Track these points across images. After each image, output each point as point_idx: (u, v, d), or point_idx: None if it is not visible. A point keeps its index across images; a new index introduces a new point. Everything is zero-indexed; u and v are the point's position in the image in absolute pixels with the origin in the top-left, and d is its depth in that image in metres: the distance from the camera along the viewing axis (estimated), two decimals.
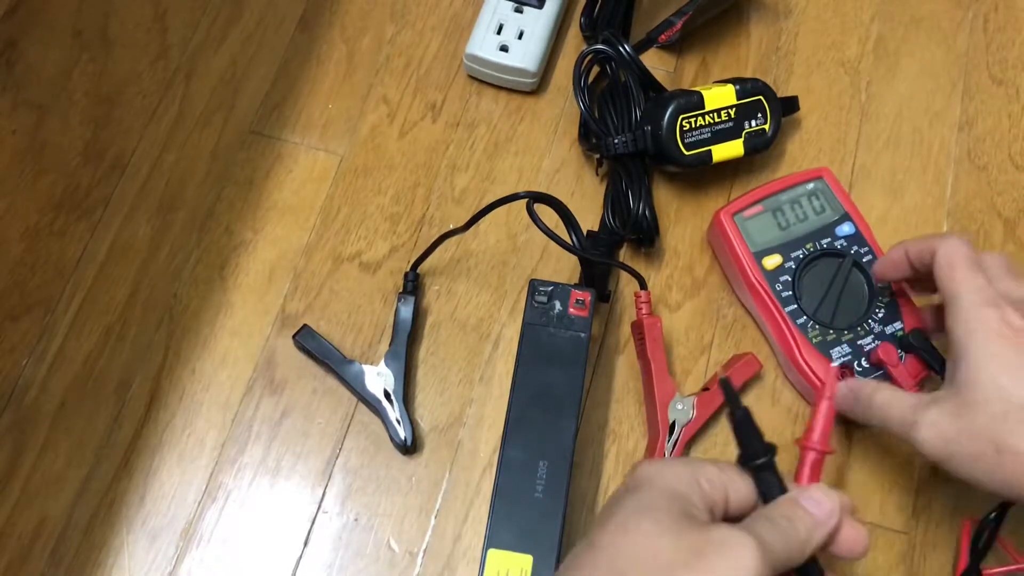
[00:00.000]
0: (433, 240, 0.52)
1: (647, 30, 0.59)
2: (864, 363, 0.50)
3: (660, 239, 0.55)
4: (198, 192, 0.56)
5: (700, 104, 0.53)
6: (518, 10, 0.58)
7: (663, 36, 0.58)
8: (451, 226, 0.53)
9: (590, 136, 0.55)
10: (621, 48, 0.54)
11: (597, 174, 0.57)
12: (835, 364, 0.49)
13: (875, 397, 0.45)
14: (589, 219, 0.56)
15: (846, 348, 0.50)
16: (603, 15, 0.59)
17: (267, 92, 0.58)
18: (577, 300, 0.48)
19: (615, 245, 0.55)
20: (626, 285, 0.54)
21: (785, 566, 0.33)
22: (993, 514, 0.46)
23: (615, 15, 0.59)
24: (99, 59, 0.59)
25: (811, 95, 0.60)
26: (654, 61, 0.60)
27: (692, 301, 0.54)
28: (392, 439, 0.49)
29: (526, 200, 0.49)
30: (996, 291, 0.42)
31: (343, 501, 0.49)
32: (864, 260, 0.52)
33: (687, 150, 0.53)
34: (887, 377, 0.49)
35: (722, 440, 0.51)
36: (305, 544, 0.48)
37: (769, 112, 0.55)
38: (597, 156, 0.56)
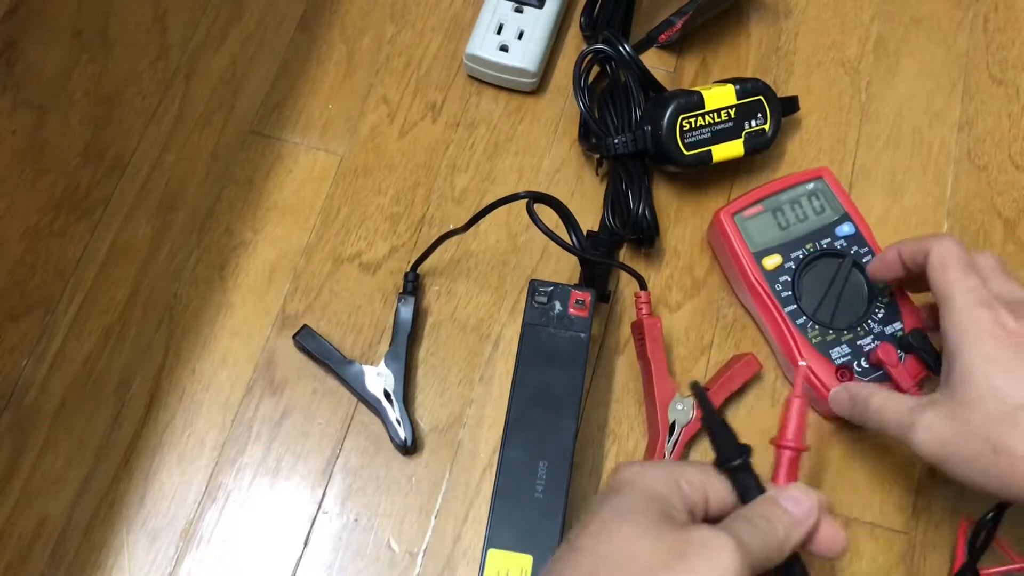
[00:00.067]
0: (433, 240, 0.52)
1: (647, 30, 0.59)
2: (864, 363, 0.50)
3: (660, 239, 0.55)
4: (198, 192, 0.56)
5: (700, 104, 0.53)
6: (518, 10, 0.58)
7: (663, 36, 0.58)
8: (451, 226, 0.53)
9: (590, 136, 0.55)
10: (621, 48, 0.54)
11: (597, 174, 0.57)
12: (803, 364, 0.48)
13: (871, 401, 0.45)
14: (589, 219, 0.56)
15: (846, 348, 0.50)
16: (603, 15, 0.59)
17: (267, 92, 0.58)
18: (577, 300, 0.48)
19: (615, 245, 0.55)
20: (626, 285, 0.54)
21: (764, 566, 0.33)
22: (990, 514, 0.46)
23: (615, 15, 0.59)
24: (99, 59, 0.59)
25: (811, 95, 0.60)
26: (654, 61, 0.60)
27: (692, 301, 0.54)
28: (392, 439, 0.49)
29: (526, 200, 0.49)
30: (989, 292, 0.42)
31: (343, 501, 0.49)
32: (864, 260, 0.52)
33: (687, 150, 0.53)
34: (886, 377, 0.49)
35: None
36: (305, 544, 0.48)
37: (769, 112, 0.55)
38: (597, 156, 0.56)
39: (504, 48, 0.57)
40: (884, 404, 0.44)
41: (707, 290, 0.55)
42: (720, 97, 0.54)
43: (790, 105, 0.57)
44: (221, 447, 0.50)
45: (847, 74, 0.61)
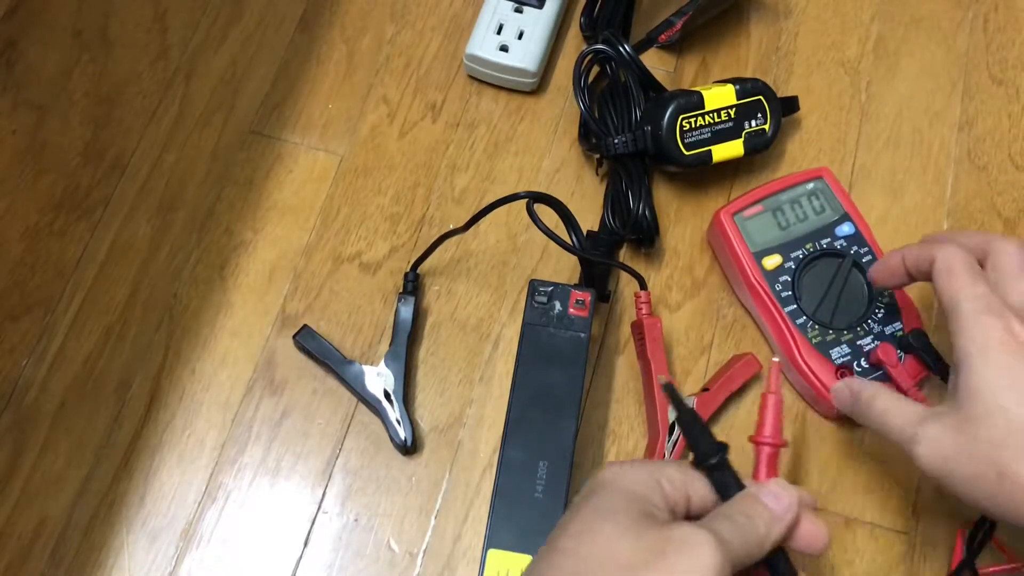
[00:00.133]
0: (433, 240, 0.52)
1: (647, 30, 0.59)
2: (864, 363, 0.50)
3: (660, 239, 0.55)
4: (198, 192, 0.56)
5: (700, 104, 0.53)
6: (518, 10, 0.58)
7: (663, 36, 0.58)
8: (451, 226, 0.53)
9: (590, 136, 0.55)
10: (621, 48, 0.54)
11: (597, 174, 0.57)
12: (776, 360, 0.47)
13: (875, 402, 0.43)
14: (589, 219, 0.56)
15: (845, 348, 0.50)
16: (603, 15, 0.59)
17: (267, 92, 0.58)
18: (577, 300, 0.48)
19: (615, 245, 0.55)
20: (626, 285, 0.54)
21: (745, 562, 0.33)
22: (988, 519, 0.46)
23: (615, 15, 0.59)
24: (99, 59, 0.59)
25: (811, 95, 0.60)
26: (654, 61, 0.60)
27: (692, 301, 0.54)
28: (392, 439, 0.49)
29: (526, 200, 0.49)
30: (1000, 297, 0.40)
31: (343, 501, 0.49)
32: (864, 260, 0.52)
33: (687, 150, 0.53)
34: (886, 377, 0.49)
35: (721, 440, 0.51)
36: (305, 544, 0.48)
37: (769, 112, 0.55)
38: (597, 156, 0.56)
39: (504, 48, 0.57)
40: (888, 409, 0.43)
41: (707, 290, 0.55)
42: (720, 97, 0.54)
43: (790, 105, 0.57)
44: (221, 447, 0.50)
45: (847, 74, 0.61)
